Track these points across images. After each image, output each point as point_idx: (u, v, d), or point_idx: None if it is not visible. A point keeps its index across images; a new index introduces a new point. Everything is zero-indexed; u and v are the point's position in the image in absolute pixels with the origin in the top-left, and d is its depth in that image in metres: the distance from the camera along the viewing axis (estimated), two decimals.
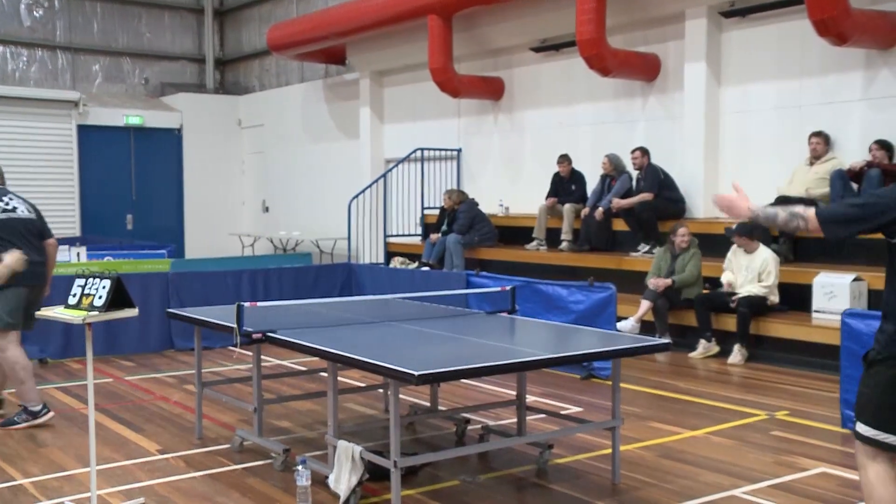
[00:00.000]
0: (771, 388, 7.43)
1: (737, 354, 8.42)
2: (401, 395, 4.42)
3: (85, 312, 4.18)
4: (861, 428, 3.47)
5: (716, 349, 8.72)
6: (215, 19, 20.32)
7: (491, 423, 6.12)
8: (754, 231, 8.69)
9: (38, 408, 6.29)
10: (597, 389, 7.41)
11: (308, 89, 17.47)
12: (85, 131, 17.50)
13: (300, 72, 18.18)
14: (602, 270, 10.02)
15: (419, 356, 4.66)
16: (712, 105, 10.41)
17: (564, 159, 11.62)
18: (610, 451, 5.09)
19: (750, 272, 8.64)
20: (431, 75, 12.65)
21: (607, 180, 11.04)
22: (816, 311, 8.34)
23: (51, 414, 6.35)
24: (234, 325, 5.09)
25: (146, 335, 9.31)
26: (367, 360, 4.27)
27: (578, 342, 5.38)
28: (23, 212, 6.43)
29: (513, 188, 12.99)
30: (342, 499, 4.53)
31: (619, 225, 10.79)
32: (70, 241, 13.06)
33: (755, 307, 8.47)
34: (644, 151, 10.60)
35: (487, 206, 12.57)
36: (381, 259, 13.74)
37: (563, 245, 11.12)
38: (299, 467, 4.48)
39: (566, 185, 11.63)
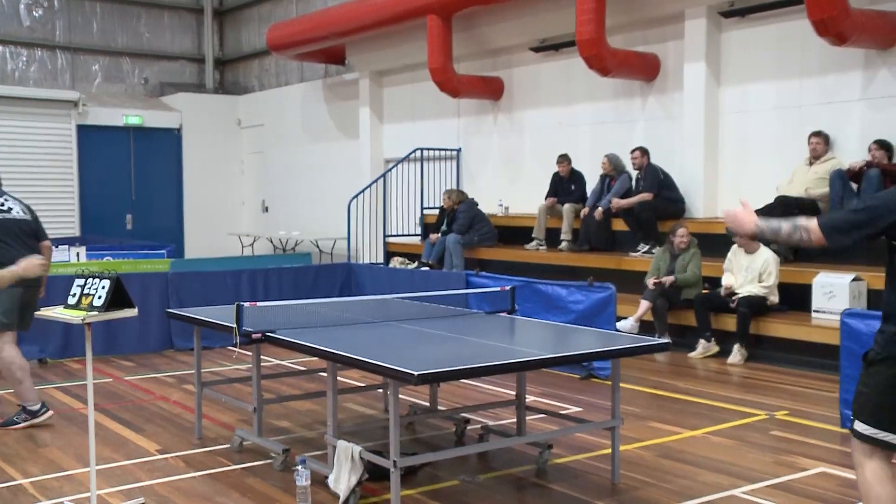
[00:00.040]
0: (770, 387, 7.43)
1: (736, 354, 8.42)
2: (400, 395, 4.42)
3: (84, 312, 4.18)
4: (859, 426, 3.48)
5: (715, 349, 8.73)
6: (215, 19, 20.32)
7: (490, 422, 6.13)
8: None
9: (37, 407, 6.29)
10: (596, 389, 7.41)
11: (307, 89, 17.47)
12: (84, 131, 17.50)
13: (300, 72, 18.18)
14: (601, 270, 10.02)
15: (419, 356, 4.67)
16: (712, 105, 10.41)
17: (564, 159, 11.62)
18: (609, 450, 5.10)
19: (750, 272, 8.64)
20: (431, 75, 12.65)
21: (607, 180, 11.05)
22: (816, 311, 8.34)
23: (50, 413, 6.35)
24: (234, 325, 5.09)
25: (146, 335, 9.31)
26: (367, 360, 4.27)
27: (578, 342, 5.37)
28: (18, 213, 6.43)
29: (512, 188, 12.99)
30: (342, 499, 4.53)
31: (619, 225, 10.80)
32: (70, 241, 13.09)
33: (755, 307, 8.47)
34: (643, 151, 10.60)
35: (487, 206, 12.57)
36: (381, 259, 13.74)
37: (563, 245, 11.13)
38: (299, 467, 4.48)
39: (566, 184, 11.63)
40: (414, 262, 12.44)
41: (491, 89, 13.10)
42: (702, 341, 8.74)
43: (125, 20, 19.25)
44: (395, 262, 12.82)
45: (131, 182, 18.26)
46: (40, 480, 5.11)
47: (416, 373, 3.91)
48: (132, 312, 4.29)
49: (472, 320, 5.99)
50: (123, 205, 18.12)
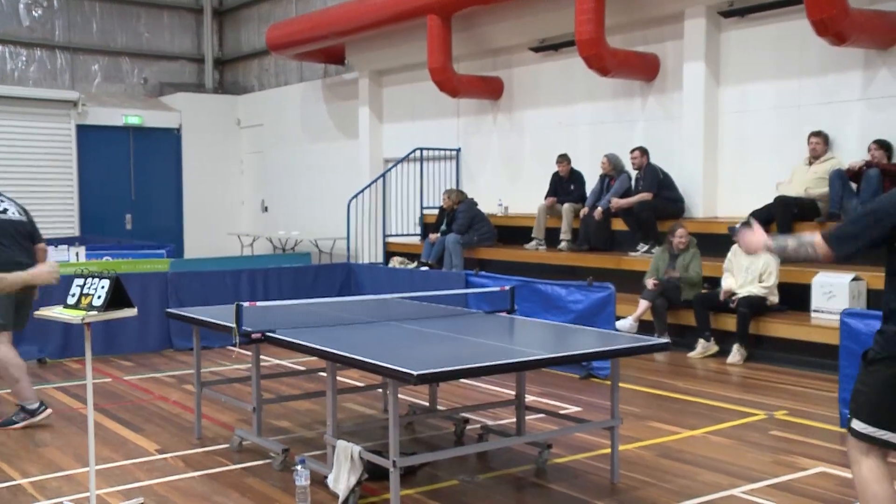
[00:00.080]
0: (770, 387, 7.43)
1: (736, 354, 8.42)
2: (400, 395, 4.42)
3: (84, 312, 4.17)
4: (857, 425, 3.50)
5: (715, 349, 8.73)
6: (214, 19, 20.31)
7: (490, 422, 6.13)
8: None
9: (36, 406, 6.29)
10: (596, 389, 7.41)
11: (307, 89, 17.47)
12: (84, 131, 17.50)
13: (299, 71, 18.18)
14: (601, 270, 10.02)
15: (418, 356, 4.66)
16: (711, 105, 10.41)
17: (563, 159, 11.62)
18: (609, 450, 5.10)
19: (751, 273, 8.63)
20: (430, 75, 12.65)
21: (606, 180, 11.05)
22: (815, 311, 8.34)
23: (48, 411, 6.34)
24: (233, 325, 5.09)
25: (145, 335, 9.31)
26: (366, 360, 4.27)
27: (577, 342, 5.37)
28: (14, 214, 6.45)
29: (512, 188, 12.99)
30: (341, 498, 4.53)
31: (618, 225, 10.79)
32: (69, 241, 13.07)
33: (754, 307, 8.47)
34: (643, 151, 10.60)
35: (486, 206, 12.57)
36: (381, 259, 13.74)
37: (562, 245, 11.13)
38: (298, 467, 4.48)
39: (565, 184, 11.63)
40: (413, 261, 12.44)
41: (490, 89, 13.10)
42: (701, 341, 8.74)
43: (125, 20, 19.25)
44: (395, 262, 12.82)
45: (131, 182, 18.25)
46: (39, 480, 5.11)
47: (415, 373, 3.91)
48: (131, 312, 4.28)
49: (472, 320, 5.99)
50: (123, 205, 18.12)
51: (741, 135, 10.26)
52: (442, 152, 13.99)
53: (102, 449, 5.62)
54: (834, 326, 7.02)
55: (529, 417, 5.92)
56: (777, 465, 5.31)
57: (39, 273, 4.37)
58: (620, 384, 5.19)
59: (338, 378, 4.84)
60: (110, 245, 13.32)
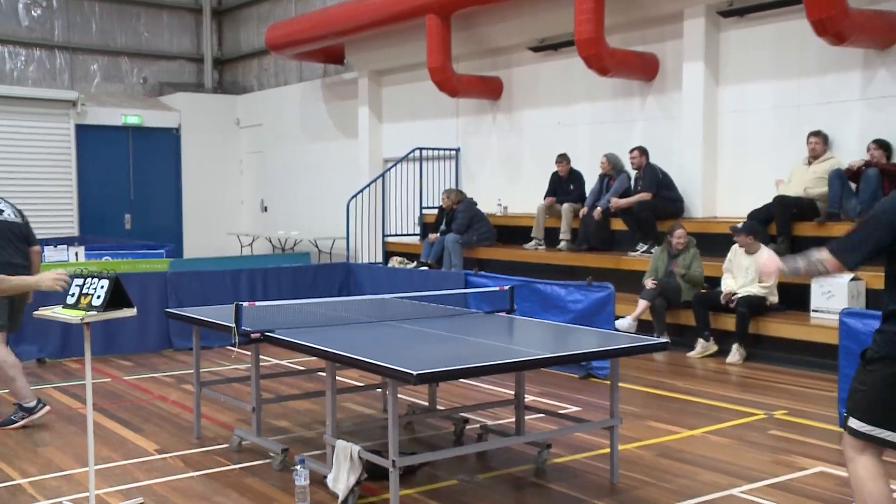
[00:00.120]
0: (769, 387, 7.44)
1: (735, 354, 8.43)
2: (399, 395, 4.42)
3: (83, 312, 4.17)
4: (854, 423, 3.52)
5: (714, 348, 8.73)
6: (214, 19, 20.31)
7: (489, 422, 6.13)
8: (758, 232, 8.72)
9: (33, 403, 6.29)
10: (595, 389, 7.42)
11: (306, 89, 17.46)
12: (83, 131, 17.49)
13: (299, 71, 18.17)
14: (600, 270, 10.02)
15: (417, 356, 4.66)
16: (710, 105, 10.41)
17: (563, 159, 11.62)
18: (608, 450, 5.10)
19: (750, 273, 8.62)
20: (430, 75, 12.65)
21: (606, 180, 11.05)
22: (815, 311, 8.35)
23: (46, 408, 6.35)
24: (233, 325, 5.09)
25: (145, 335, 9.31)
26: (366, 360, 4.27)
27: (577, 342, 5.38)
28: (9, 215, 6.48)
29: (511, 188, 12.99)
30: (340, 498, 4.53)
31: (618, 224, 10.80)
32: (68, 241, 13.07)
33: (754, 307, 8.47)
34: (642, 151, 10.60)
35: (486, 206, 12.57)
36: (380, 259, 13.74)
37: (562, 244, 11.13)
38: (298, 467, 4.49)
39: (564, 184, 11.63)
40: (413, 261, 12.44)
41: (490, 89, 13.10)
42: (700, 341, 8.75)
43: (124, 20, 19.24)
44: (394, 262, 12.82)
45: (130, 182, 18.25)
46: (39, 480, 5.11)
47: (414, 372, 3.91)
48: (131, 312, 4.29)
49: (471, 320, 5.99)
50: (122, 204, 18.12)
51: (740, 135, 10.27)
52: (441, 152, 13.99)
53: (102, 449, 5.62)
54: (833, 326, 7.02)
55: (529, 417, 5.92)
56: (776, 464, 5.31)
57: (44, 279, 4.35)
58: (620, 384, 5.20)
59: (337, 378, 4.85)
60: (109, 245, 13.32)
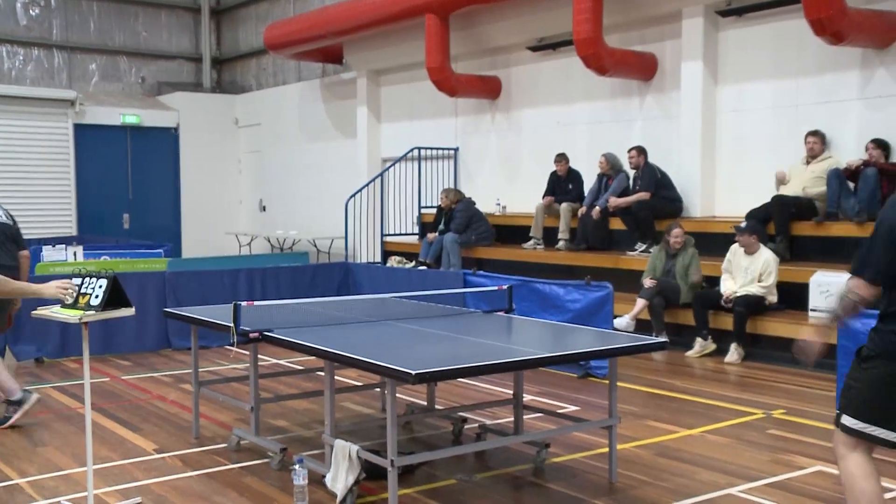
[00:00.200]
0: (767, 386, 7.44)
1: (733, 353, 8.43)
2: (398, 395, 4.42)
3: (82, 312, 4.17)
4: (847, 420, 3.53)
5: (712, 347, 8.73)
6: (212, 18, 20.30)
7: (488, 422, 6.13)
8: (759, 232, 8.73)
9: (20, 395, 6.27)
10: (593, 388, 7.42)
11: (305, 88, 17.46)
12: (81, 130, 17.48)
13: (297, 71, 18.17)
14: (599, 269, 10.02)
15: (416, 355, 4.67)
16: (709, 104, 10.41)
17: (561, 158, 11.62)
18: (607, 449, 5.10)
19: (750, 273, 8.62)
20: (428, 74, 12.65)
21: (604, 179, 11.05)
22: (813, 310, 8.35)
23: (36, 396, 6.33)
24: (231, 325, 5.09)
25: (143, 334, 9.30)
26: (364, 360, 4.27)
27: (575, 341, 5.38)
28: (0, 217, 6.49)
29: (510, 187, 13.00)
30: (339, 498, 4.53)
31: (616, 224, 10.80)
32: (66, 241, 13.07)
33: (752, 306, 8.48)
34: (641, 150, 10.60)
35: (484, 205, 12.57)
36: (378, 258, 13.73)
37: (560, 244, 11.13)
38: (296, 466, 4.49)
39: (563, 184, 11.63)
40: (411, 261, 12.44)
41: (488, 88, 13.10)
42: (699, 340, 8.75)
43: (122, 19, 19.23)
44: (393, 262, 12.81)
45: (128, 181, 18.24)
46: (37, 480, 5.11)
47: (413, 372, 3.91)
48: (129, 312, 4.29)
49: (470, 319, 5.99)
50: (120, 204, 18.11)
51: (739, 134, 10.27)
52: (440, 152, 13.98)
53: (100, 448, 5.62)
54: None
55: (527, 417, 5.93)
56: (774, 463, 5.32)
57: (48, 288, 4.33)
58: (618, 383, 5.20)
59: (336, 377, 4.85)
60: (108, 244, 13.32)
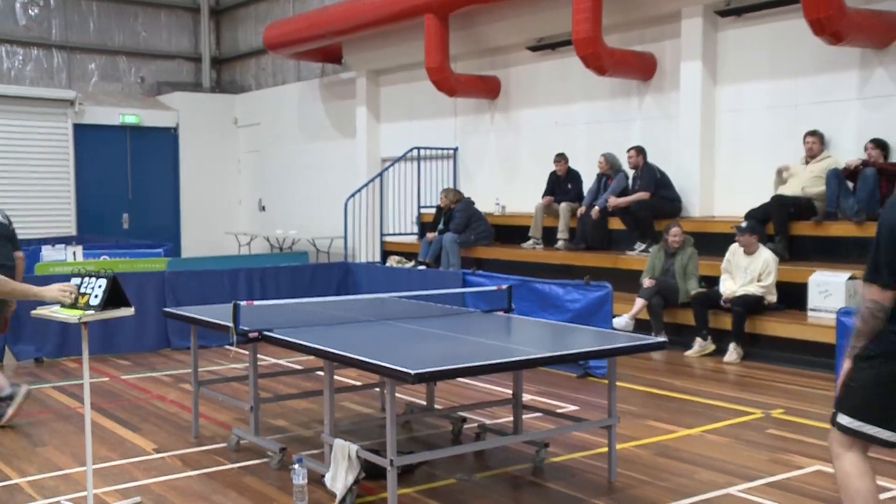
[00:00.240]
0: (766, 386, 7.45)
1: (732, 353, 8.43)
2: (397, 394, 4.42)
3: (81, 312, 4.17)
4: (843, 419, 3.54)
5: (711, 347, 8.74)
6: (211, 18, 20.30)
7: (487, 421, 6.13)
8: (759, 232, 8.73)
9: (9, 391, 6.26)
10: (593, 388, 7.42)
11: (304, 88, 17.46)
12: (81, 130, 17.48)
13: (296, 71, 18.17)
14: (598, 269, 10.03)
15: (415, 355, 4.67)
16: (708, 104, 10.42)
17: (561, 158, 11.63)
18: (606, 449, 5.10)
19: (749, 273, 8.63)
20: (428, 74, 12.65)
21: (603, 179, 11.06)
22: (812, 310, 8.35)
23: (26, 388, 6.31)
24: (231, 324, 5.09)
25: (143, 334, 9.30)
26: (364, 359, 4.27)
27: (574, 341, 5.38)
28: None
29: (509, 187, 13.00)
30: (339, 497, 4.53)
31: (616, 224, 10.80)
32: (66, 240, 13.07)
33: (750, 306, 8.48)
34: (640, 150, 10.61)
35: (484, 205, 12.58)
36: (378, 258, 13.74)
37: (560, 244, 11.13)
38: (296, 466, 4.49)
39: (562, 183, 11.64)
40: (411, 260, 12.44)
41: (488, 88, 13.10)
42: (698, 340, 8.75)
43: (122, 19, 19.23)
44: (392, 261, 12.82)
45: (128, 181, 18.24)
46: (37, 480, 5.11)
47: (412, 372, 3.92)
48: (129, 311, 4.29)
49: (469, 319, 5.99)
50: (120, 204, 18.11)
51: (738, 134, 10.28)
52: (439, 151, 13.99)
53: (100, 448, 5.62)
54: (830, 325, 7.04)
55: (527, 416, 5.93)
56: (773, 463, 5.32)
57: (48, 290, 4.32)
58: (617, 383, 5.20)
59: (335, 377, 4.85)
60: (107, 244, 13.32)
